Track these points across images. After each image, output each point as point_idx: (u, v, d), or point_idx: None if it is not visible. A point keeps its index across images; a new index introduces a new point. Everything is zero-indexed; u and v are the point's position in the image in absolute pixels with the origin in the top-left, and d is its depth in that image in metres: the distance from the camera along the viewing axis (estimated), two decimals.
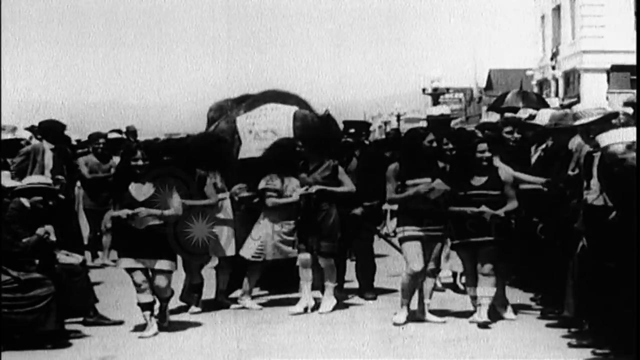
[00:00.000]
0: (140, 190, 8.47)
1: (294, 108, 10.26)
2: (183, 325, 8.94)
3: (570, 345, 7.93)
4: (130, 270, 8.47)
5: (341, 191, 9.44)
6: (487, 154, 8.77)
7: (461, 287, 9.93)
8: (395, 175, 8.84)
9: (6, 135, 10.25)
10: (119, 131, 14.53)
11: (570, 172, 8.49)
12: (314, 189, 9.32)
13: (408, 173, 8.79)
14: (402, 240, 8.85)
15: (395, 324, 8.71)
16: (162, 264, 8.47)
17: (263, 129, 9.99)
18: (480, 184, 8.74)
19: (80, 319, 8.82)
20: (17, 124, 11.48)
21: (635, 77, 32.19)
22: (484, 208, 8.64)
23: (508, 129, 9.89)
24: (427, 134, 8.87)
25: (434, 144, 8.86)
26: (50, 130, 11.26)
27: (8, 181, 9.07)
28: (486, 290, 8.72)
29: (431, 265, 8.85)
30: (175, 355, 7.95)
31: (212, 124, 10.48)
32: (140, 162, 8.48)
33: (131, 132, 16.22)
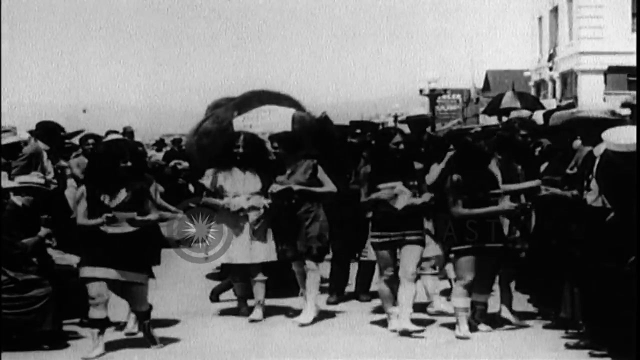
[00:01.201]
0: (115, 195, 7.95)
1: (292, 110, 10.04)
2: (180, 326, 8.94)
3: (567, 346, 7.93)
4: (89, 280, 7.87)
5: (322, 191, 9.13)
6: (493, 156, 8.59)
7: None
8: (367, 178, 8.57)
9: (6, 137, 10.19)
10: (116, 132, 14.53)
11: (568, 171, 8.42)
12: (295, 187, 8.96)
13: (378, 176, 8.52)
14: (374, 246, 8.59)
15: (393, 331, 8.49)
16: (135, 277, 7.94)
17: (261, 131, 9.83)
18: (485, 184, 8.47)
19: (78, 319, 8.81)
20: (17, 125, 11.44)
21: (633, 79, 32.23)
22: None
23: (523, 131, 9.66)
24: (394, 135, 8.58)
25: (401, 146, 8.50)
26: (49, 131, 11.24)
27: (7, 182, 9.05)
28: (482, 297, 8.52)
29: (410, 270, 8.45)
30: (173, 356, 7.94)
31: None
32: (129, 164, 7.95)
33: (128, 132, 16.22)
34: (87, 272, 7.89)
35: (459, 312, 8.42)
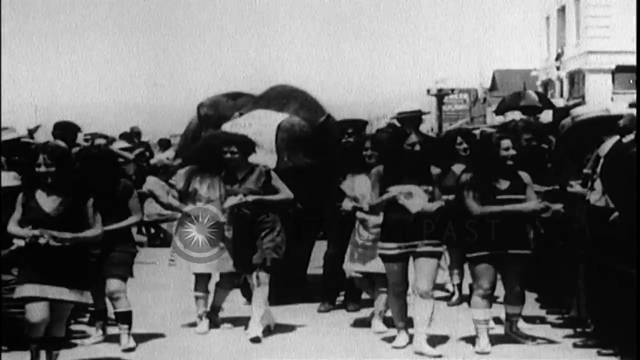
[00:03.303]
0: (47, 202, 6.91)
1: (283, 117, 9.61)
2: (180, 327, 8.93)
3: (575, 345, 7.90)
4: (29, 300, 6.86)
5: (278, 199, 8.48)
6: (512, 152, 7.80)
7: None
8: (378, 180, 7.90)
9: (7, 133, 10.17)
10: (125, 133, 14.57)
11: (585, 170, 8.22)
12: (249, 198, 8.34)
13: (391, 179, 7.84)
14: (384, 258, 7.90)
15: (394, 347, 7.93)
16: (71, 295, 6.89)
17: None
18: (505, 187, 7.81)
19: (86, 319, 8.82)
20: (17, 125, 11.45)
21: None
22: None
23: (527, 135, 9.11)
24: (409, 135, 7.88)
25: (417, 147, 7.80)
26: (68, 131, 11.29)
27: (12, 181, 9.02)
28: (517, 308, 8.02)
29: (424, 287, 7.77)
30: (177, 356, 7.93)
31: (207, 120, 9.87)
32: (42, 169, 6.88)
33: (135, 133, 16.24)
34: (27, 290, 6.89)
35: (479, 324, 7.84)
